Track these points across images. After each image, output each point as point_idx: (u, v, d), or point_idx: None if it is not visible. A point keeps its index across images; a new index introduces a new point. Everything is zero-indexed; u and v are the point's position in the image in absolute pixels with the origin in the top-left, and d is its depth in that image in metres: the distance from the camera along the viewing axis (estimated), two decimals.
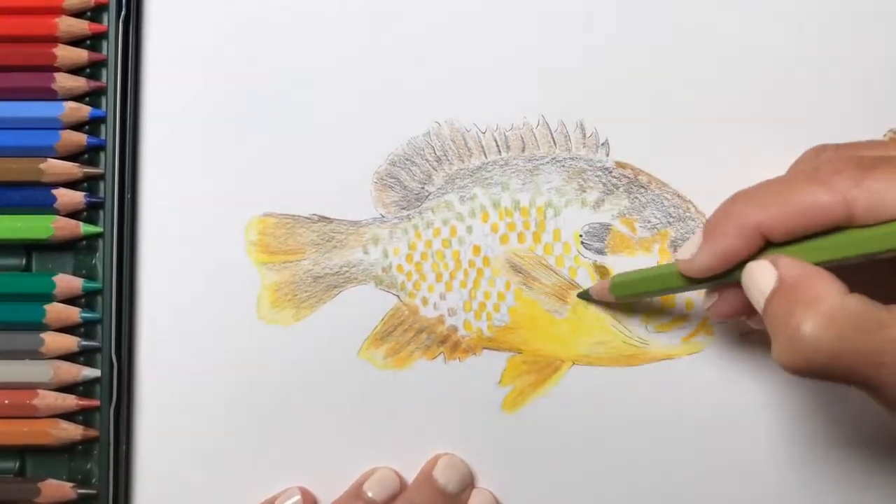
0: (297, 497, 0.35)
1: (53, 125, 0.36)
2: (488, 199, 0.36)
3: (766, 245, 0.28)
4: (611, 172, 0.36)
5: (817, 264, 0.27)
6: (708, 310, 0.32)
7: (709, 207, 0.36)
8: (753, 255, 0.28)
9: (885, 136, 0.28)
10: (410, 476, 0.36)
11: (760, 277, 0.28)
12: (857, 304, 0.26)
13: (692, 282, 0.30)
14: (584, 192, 0.36)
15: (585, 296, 0.36)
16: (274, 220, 0.37)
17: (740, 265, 0.29)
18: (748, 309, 0.30)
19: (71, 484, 0.36)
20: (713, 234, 0.29)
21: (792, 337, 0.26)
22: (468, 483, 0.35)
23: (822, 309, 0.26)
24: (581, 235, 0.36)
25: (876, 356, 0.25)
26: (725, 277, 0.30)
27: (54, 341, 0.35)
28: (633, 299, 0.35)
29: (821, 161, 0.29)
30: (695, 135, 0.36)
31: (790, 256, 0.27)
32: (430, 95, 0.37)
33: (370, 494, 0.35)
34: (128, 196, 0.36)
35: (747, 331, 0.35)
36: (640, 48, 0.36)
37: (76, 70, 0.36)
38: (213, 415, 0.36)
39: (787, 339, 0.26)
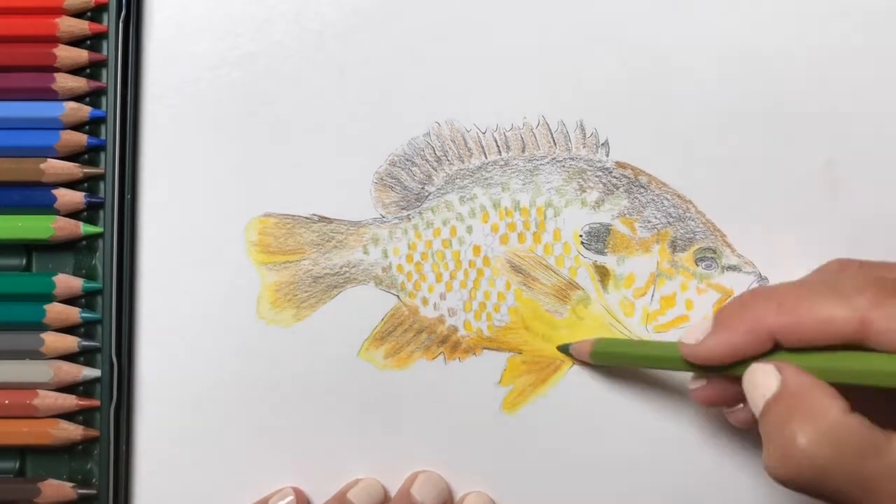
0: (291, 497, 0.35)
1: (54, 125, 0.36)
2: (488, 200, 0.36)
3: (775, 348, 0.28)
4: (611, 172, 0.36)
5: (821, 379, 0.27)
6: (693, 391, 0.32)
7: (709, 207, 0.36)
8: (761, 356, 0.28)
9: None
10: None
11: (763, 380, 0.28)
12: (857, 426, 0.25)
13: (691, 366, 0.30)
14: (584, 192, 0.36)
15: (565, 349, 0.36)
16: (274, 221, 0.37)
17: (742, 360, 0.29)
18: (732, 401, 0.31)
19: (71, 484, 0.36)
20: (725, 326, 0.29)
21: (786, 446, 0.26)
22: (446, 498, 0.35)
23: (821, 423, 0.25)
24: (581, 235, 0.36)
25: (868, 482, 0.25)
26: (724, 369, 0.30)
27: (54, 341, 0.35)
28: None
29: (844, 276, 0.29)
30: (695, 135, 0.36)
31: (796, 365, 0.27)
32: (430, 95, 0.37)
33: (354, 502, 0.35)
34: (128, 196, 0.36)
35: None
36: (640, 48, 0.36)
37: (76, 70, 0.36)
38: (213, 415, 0.36)
39: (780, 448, 0.26)
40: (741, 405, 0.31)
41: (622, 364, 0.35)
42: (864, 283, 0.27)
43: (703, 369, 0.30)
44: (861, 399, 0.26)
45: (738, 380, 0.29)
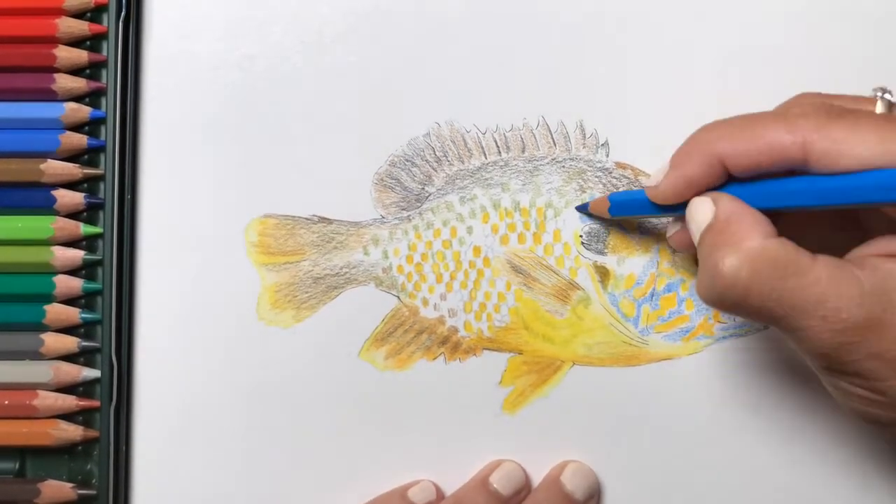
0: (432, 489, 0.35)
1: (54, 126, 0.36)
2: (488, 200, 0.36)
3: (729, 179, 0.29)
4: (611, 173, 0.36)
5: (768, 208, 0.28)
6: (669, 238, 0.33)
7: None
8: (715, 187, 0.29)
9: (871, 92, 0.28)
10: (411, 476, 0.36)
11: (699, 212, 0.29)
12: (778, 248, 0.26)
13: (660, 208, 0.31)
14: (585, 192, 0.36)
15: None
16: (274, 221, 0.37)
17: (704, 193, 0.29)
18: None
19: (71, 484, 0.35)
20: (679, 162, 0.29)
21: (712, 271, 0.27)
22: (595, 492, 0.35)
23: (742, 247, 0.27)
24: (581, 236, 0.36)
25: (790, 299, 0.26)
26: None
27: (54, 342, 0.35)
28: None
29: (792, 103, 0.30)
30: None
31: (730, 196, 0.28)
32: (430, 96, 0.37)
33: (496, 486, 0.34)
34: (128, 197, 0.36)
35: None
36: (640, 48, 0.36)
37: (76, 71, 0.36)
38: (213, 415, 0.36)
39: (707, 272, 0.27)
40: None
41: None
42: (810, 108, 0.27)
43: (673, 209, 0.31)
44: (807, 226, 0.28)
45: None
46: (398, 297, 0.36)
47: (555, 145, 0.37)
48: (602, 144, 0.36)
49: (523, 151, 0.37)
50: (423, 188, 0.37)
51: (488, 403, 0.36)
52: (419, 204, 0.37)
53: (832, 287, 0.26)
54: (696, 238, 0.29)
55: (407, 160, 0.37)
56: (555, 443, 0.36)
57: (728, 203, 0.28)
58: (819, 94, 0.30)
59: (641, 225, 0.36)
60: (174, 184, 0.37)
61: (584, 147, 0.37)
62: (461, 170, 0.37)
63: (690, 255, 0.35)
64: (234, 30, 0.37)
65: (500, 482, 0.35)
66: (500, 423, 0.36)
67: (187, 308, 0.36)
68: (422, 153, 0.37)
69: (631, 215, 0.35)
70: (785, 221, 0.28)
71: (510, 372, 0.36)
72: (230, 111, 0.37)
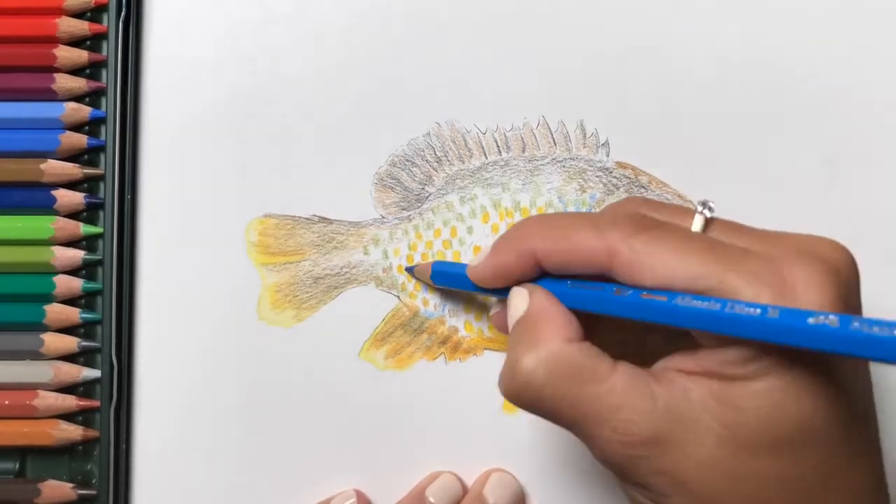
0: (353, 500, 0.35)
1: (54, 126, 0.36)
2: (489, 200, 0.36)
3: (544, 274, 0.29)
4: (611, 173, 0.36)
5: (579, 309, 0.28)
6: (491, 317, 0.33)
7: None
8: (531, 279, 0.29)
9: (695, 204, 0.28)
10: (411, 476, 0.36)
11: (513, 304, 0.29)
12: (575, 353, 0.26)
13: (479, 288, 0.31)
14: (585, 192, 0.36)
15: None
16: (274, 221, 0.37)
17: (516, 283, 0.29)
18: None
19: (71, 484, 0.35)
20: (497, 248, 0.30)
21: (513, 366, 0.27)
22: (520, 499, 0.36)
23: (542, 348, 0.26)
24: None
25: (586, 406, 0.26)
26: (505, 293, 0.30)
27: (54, 342, 0.35)
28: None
29: (608, 209, 0.30)
30: (695, 135, 0.36)
31: (545, 291, 0.28)
32: (431, 96, 0.37)
33: (432, 500, 0.35)
34: (128, 196, 0.36)
35: None
36: (640, 48, 0.36)
37: (76, 71, 0.36)
38: (214, 415, 0.36)
39: (509, 366, 0.27)
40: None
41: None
42: (621, 216, 0.27)
43: (490, 292, 0.31)
44: (625, 325, 0.27)
45: None
46: (398, 297, 0.36)
47: (555, 145, 0.37)
48: (602, 144, 0.36)
49: (524, 151, 0.37)
50: (423, 188, 0.37)
51: (488, 403, 0.36)
52: (419, 204, 0.37)
53: (626, 398, 0.25)
54: (510, 327, 0.29)
55: (407, 160, 0.37)
56: (555, 443, 0.36)
57: (540, 299, 0.28)
58: (642, 201, 0.29)
59: None
60: (174, 184, 0.37)
61: (584, 147, 0.37)
62: (461, 170, 0.37)
63: None
64: (234, 30, 0.37)
65: (437, 495, 0.35)
66: (500, 423, 0.36)
67: (187, 308, 0.36)
68: (422, 153, 0.37)
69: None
70: (607, 318, 0.27)
71: None
72: (230, 111, 0.37)
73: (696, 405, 0.25)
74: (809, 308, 0.23)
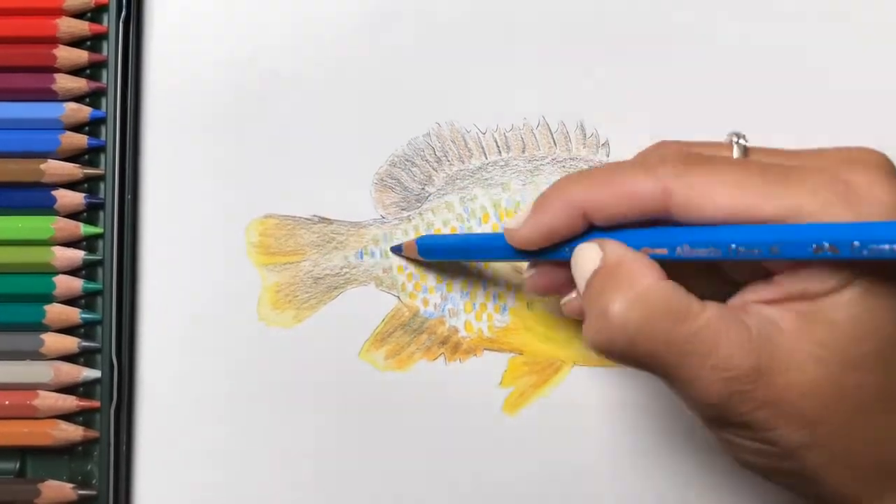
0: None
1: (54, 126, 0.36)
2: (489, 200, 0.36)
3: (591, 228, 0.28)
4: None
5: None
6: (526, 281, 0.31)
7: None
8: (577, 236, 0.28)
9: (727, 137, 0.28)
10: (411, 477, 0.36)
11: (586, 258, 0.27)
12: (668, 291, 0.25)
13: (518, 253, 0.30)
14: None
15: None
16: (274, 222, 0.37)
17: (564, 244, 0.28)
18: (563, 287, 0.30)
19: (71, 485, 0.35)
20: (540, 209, 0.28)
21: (600, 315, 0.26)
22: None
23: (632, 289, 0.25)
24: None
25: (681, 346, 0.25)
26: (550, 254, 0.29)
27: (54, 342, 0.35)
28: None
29: (652, 150, 0.29)
30: (695, 135, 0.36)
31: (617, 241, 0.27)
32: (430, 96, 0.37)
33: None
34: (128, 197, 0.36)
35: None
36: (640, 48, 0.36)
37: (76, 71, 0.36)
38: (214, 416, 0.36)
39: (596, 317, 0.26)
40: (573, 294, 0.30)
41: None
42: (669, 155, 0.27)
43: (530, 255, 0.30)
44: (685, 276, 0.26)
45: (566, 265, 0.29)
46: (398, 297, 0.36)
47: (555, 145, 0.37)
48: (602, 144, 0.36)
49: (523, 151, 0.37)
50: (423, 188, 0.37)
51: (489, 404, 0.36)
52: (419, 204, 0.37)
53: (723, 334, 0.25)
54: (581, 285, 0.27)
55: (407, 160, 0.37)
56: (555, 443, 0.36)
57: (616, 248, 0.27)
58: (677, 142, 0.29)
59: None
60: (174, 184, 0.37)
61: (584, 147, 0.36)
62: (461, 170, 0.37)
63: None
64: (234, 30, 0.37)
65: None
66: (500, 424, 0.36)
67: (188, 308, 0.36)
68: (422, 153, 0.37)
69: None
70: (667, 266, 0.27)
71: (511, 372, 0.36)
72: (230, 111, 0.37)
73: (790, 332, 0.24)
74: (879, 207, 0.24)
